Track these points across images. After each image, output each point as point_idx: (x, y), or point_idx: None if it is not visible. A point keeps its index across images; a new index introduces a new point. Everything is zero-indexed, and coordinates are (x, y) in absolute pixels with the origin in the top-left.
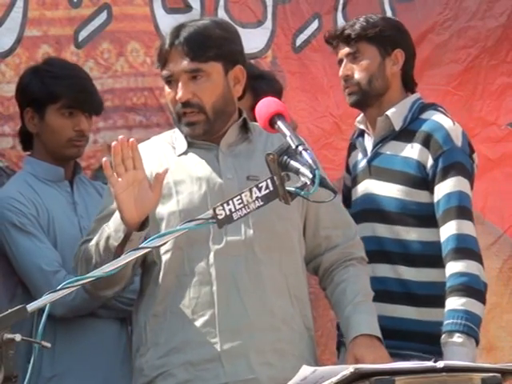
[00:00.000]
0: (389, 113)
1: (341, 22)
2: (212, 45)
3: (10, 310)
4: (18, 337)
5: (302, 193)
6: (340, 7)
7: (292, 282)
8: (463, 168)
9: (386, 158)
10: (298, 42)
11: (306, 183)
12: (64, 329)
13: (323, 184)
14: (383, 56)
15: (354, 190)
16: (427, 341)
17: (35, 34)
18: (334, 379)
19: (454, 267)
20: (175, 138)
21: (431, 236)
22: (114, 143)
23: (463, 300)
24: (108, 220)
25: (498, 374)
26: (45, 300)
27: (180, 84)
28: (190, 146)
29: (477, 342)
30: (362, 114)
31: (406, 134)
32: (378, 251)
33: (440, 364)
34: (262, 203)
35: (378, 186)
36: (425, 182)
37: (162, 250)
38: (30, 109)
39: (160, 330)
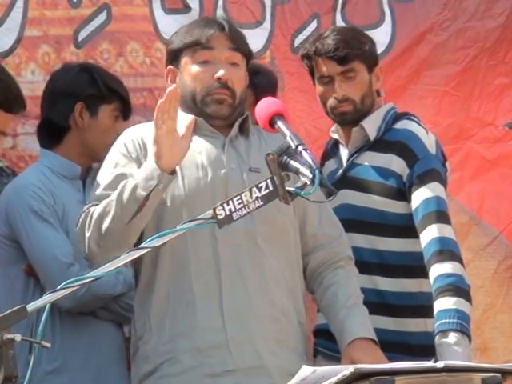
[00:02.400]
0: (363, 123)
1: (339, 22)
2: (244, 40)
3: (9, 310)
4: (18, 337)
5: (302, 193)
6: (339, 7)
7: (288, 276)
8: (438, 174)
9: (362, 168)
10: (297, 42)
11: (306, 183)
12: (64, 324)
13: (323, 184)
14: (369, 73)
15: None
16: (404, 351)
17: (35, 33)
18: (334, 379)
19: (439, 269)
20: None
21: (408, 246)
22: (169, 89)
23: (453, 299)
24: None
25: (498, 374)
26: (45, 300)
27: (223, 65)
28: (195, 131)
29: (469, 340)
30: (335, 124)
31: (380, 144)
32: (357, 261)
33: (440, 364)
34: (261, 203)
35: (354, 196)
36: (402, 192)
37: None
38: (82, 104)
39: (164, 315)
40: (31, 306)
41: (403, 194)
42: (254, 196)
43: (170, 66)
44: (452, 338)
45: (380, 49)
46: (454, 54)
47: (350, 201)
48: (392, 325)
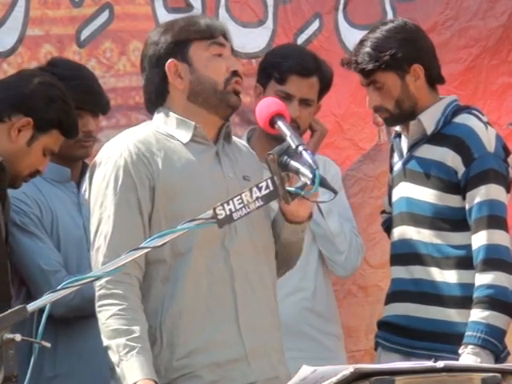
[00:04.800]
0: (421, 117)
1: (342, 21)
2: None
3: (10, 310)
4: (18, 337)
5: (302, 193)
6: (341, 7)
7: (274, 281)
8: (496, 174)
9: (419, 161)
10: (299, 41)
11: (306, 183)
12: (66, 329)
13: (323, 184)
14: (402, 76)
15: (393, 192)
16: (460, 342)
17: (37, 33)
18: (334, 379)
19: (481, 279)
20: (170, 129)
21: (464, 239)
22: None
23: (486, 313)
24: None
25: (498, 374)
26: (45, 300)
27: (234, 58)
28: (191, 140)
29: (496, 356)
30: None
31: (439, 137)
32: (414, 254)
33: (440, 364)
34: (262, 203)
35: (412, 189)
36: (457, 187)
37: (181, 248)
38: None
39: (176, 330)
40: (31, 306)
41: (458, 188)
42: (255, 196)
43: (171, 60)
44: (471, 349)
45: None
46: (456, 53)
47: (407, 194)
48: (448, 316)
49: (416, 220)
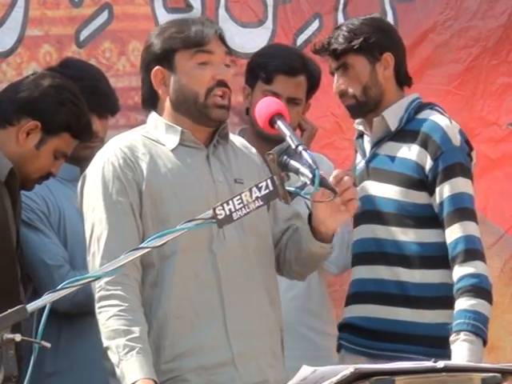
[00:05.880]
0: (384, 113)
1: (341, 21)
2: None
3: (9, 310)
4: (18, 337)
5: (302, 192)
6: (341, 7)
7: (270, 284)
8: (463, 168)
9: (383, 159)
10: (299, 41)
11: (306, 183)
12: (69, 326)
13: (323, 184)
14: (373, 63)
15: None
16: (425, 343)
17: (36, 33)
18: (334, 379)
19: (464, 269)
20: (159, 134)
21: (428, 237)
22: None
23: (473, 301)
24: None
25: (498, 374)
26: (45, 300)
27: (223, 66)
28: (180, 144)
29: (484, 343)
30: None
31: (402, 134)
32: (378, 253)
33: (440, 364)
34: (261, 203)
35: (375, 187)
36: (423, 183)
37: (167, 251)
38: None
39: (162, 334)
40: (31, 306)
41: (423, 185)
42: (254, 196)
43: (157, 67)
44: (464, 337)
45: None
46: (456, 53)
47: (371, 192)
48: (412, 316)
49: (380, 218)
